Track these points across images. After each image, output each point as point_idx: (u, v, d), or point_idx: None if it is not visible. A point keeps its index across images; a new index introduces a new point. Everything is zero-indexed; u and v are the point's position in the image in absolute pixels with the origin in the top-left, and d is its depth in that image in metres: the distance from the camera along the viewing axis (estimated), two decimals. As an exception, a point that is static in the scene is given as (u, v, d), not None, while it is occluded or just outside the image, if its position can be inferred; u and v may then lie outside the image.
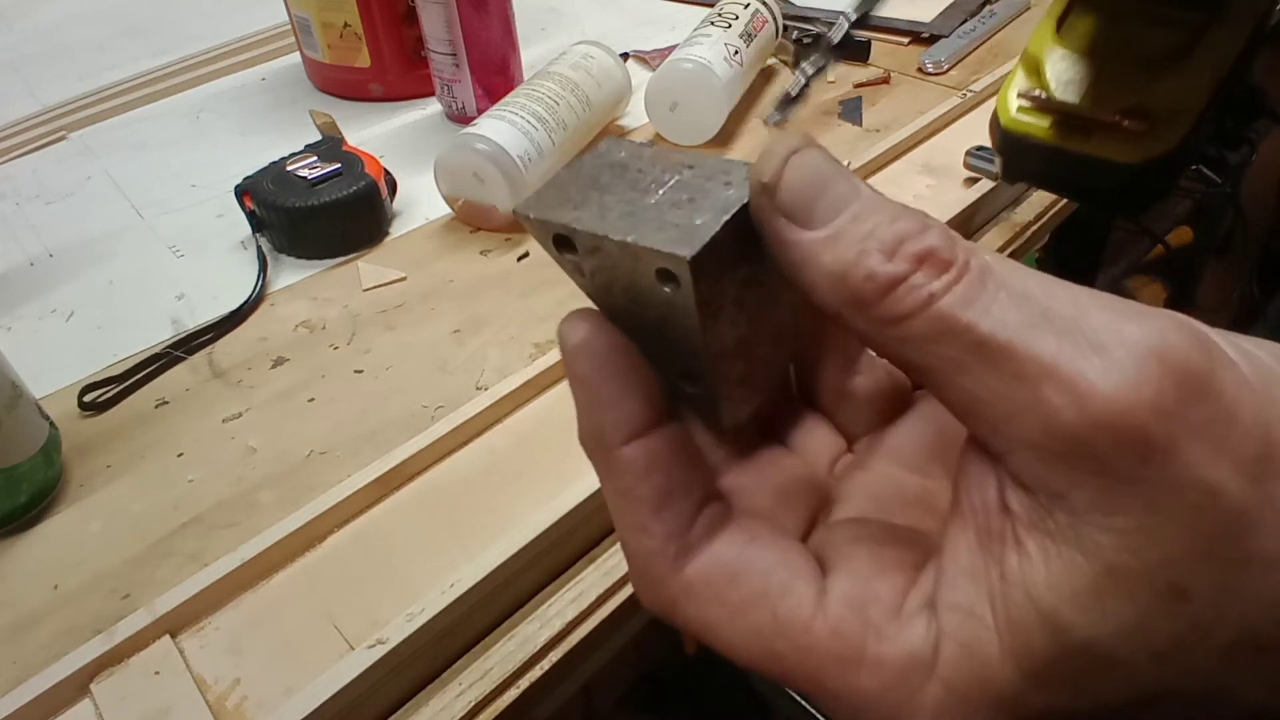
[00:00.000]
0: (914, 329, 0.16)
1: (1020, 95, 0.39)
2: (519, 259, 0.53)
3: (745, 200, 0.17)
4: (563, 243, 0.19)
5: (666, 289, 0.18)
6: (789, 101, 0.30)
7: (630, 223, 0.18)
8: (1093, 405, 0.14)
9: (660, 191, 0.18)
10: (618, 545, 0.37)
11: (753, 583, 0.18)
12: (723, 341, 0.19)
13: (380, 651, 0.31)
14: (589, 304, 0.20)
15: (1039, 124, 0.39)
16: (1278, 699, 0.16)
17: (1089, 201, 0.49)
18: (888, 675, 0.17)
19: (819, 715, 0.99)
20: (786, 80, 0.72)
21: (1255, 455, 0.14)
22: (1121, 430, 0.14)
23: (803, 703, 0.99)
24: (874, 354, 0.22)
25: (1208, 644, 0.15)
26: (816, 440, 0.23)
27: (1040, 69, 0.39)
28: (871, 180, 0.58)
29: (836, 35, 0.36)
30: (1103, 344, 0.15)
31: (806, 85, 0.30)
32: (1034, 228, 0.56)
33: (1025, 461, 0.15)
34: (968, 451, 0.17)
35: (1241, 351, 0.16)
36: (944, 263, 0.16)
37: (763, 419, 0.22)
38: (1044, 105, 0.38)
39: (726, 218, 0.17)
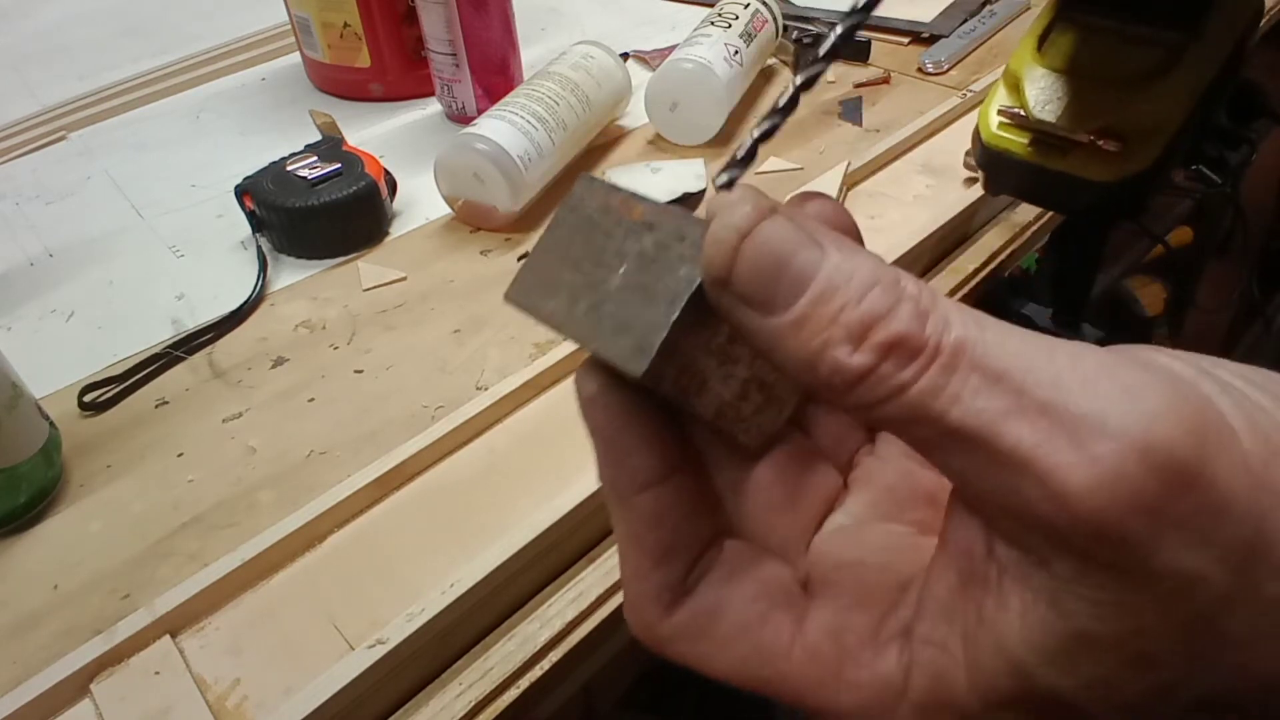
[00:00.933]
0: (887, 413, 0.15)
1: (1000, 112, 0.39)
2: (519, 259, 0.53)
3: (698, 279, 0.17)
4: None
5: None
6: (740, 162, 0.20)
7: (593, 320, 0.18)
8: (1069, 503, 0.14)
9: (621, 269, 0.18)
10: (618, 545, 0.37)
11: (734, 618, 0.19)
12: (721, 398, 0.20)
13: (380, 651, 0.31)
14: None
15: (1018, 140, 0.39)
16: None
17: (1067, 215, 0.50)
18: (864, 696, 0.18)
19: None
20: (789, 80, 0.72)
21: (1243, 544, 0.14)
22: (1099, 527, 0.14)
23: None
24: None
25: (1171, 702, 0.15)
26: (837, 428, 0.22)
27: (1020, 86, 0.39)
28: (871, 180, 0.58)
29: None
30: (1081, 436, 0.14)
31: (755, 146, 0.21)
32: (1034, 228, 0.56)
33: (1009, 529, 0.16)
34: (956, 498, 0.17)
35: (1251, 413, 0.15)
36: (913, 350, 0.15)
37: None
38: (1023, 123, 0.39)
39: (677, 313, 0.17)
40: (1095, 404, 0.14)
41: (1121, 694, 0.15)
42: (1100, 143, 0.36)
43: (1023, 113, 0.39)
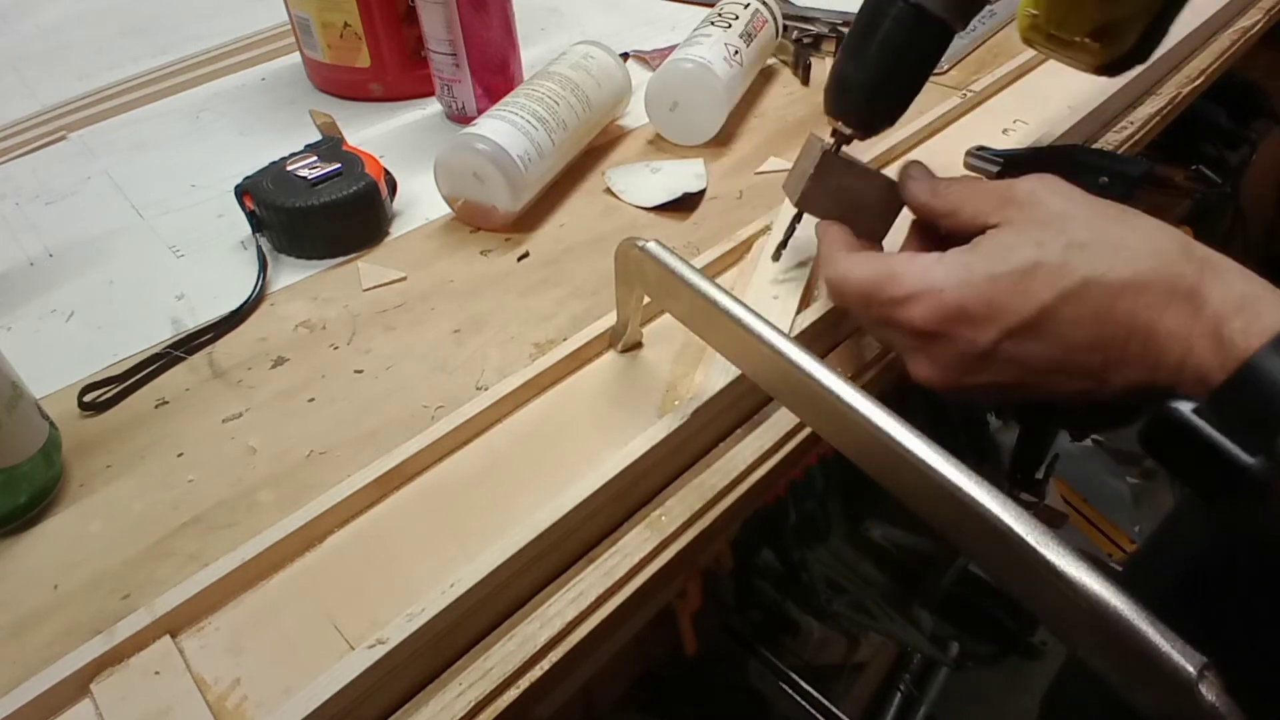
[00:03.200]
0: (952, 193, 0.40)
1: (1026, 11, 0.48)
2: (519, 259, 0.53)
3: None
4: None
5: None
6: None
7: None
8: (1017, 188, 0.37)
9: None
10: (618, 545, 0.37)
11: (887, 255, 0.41)
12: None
13: (380, 651, 0.31)
14: None
15: (1036, 37, 0.49)
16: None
17: None
18: (922, 260, 0.37)
19: (818, 715, 0.99)
20: (789, 80, 0.72)
21: (1079, 197, 0.37)
22: (1025, 191, 0.37)
23: (802, 702, 0.99)
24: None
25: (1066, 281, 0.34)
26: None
27: None
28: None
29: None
30: (1019, 179, 0.38)
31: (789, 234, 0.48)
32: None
33: (996, 217, 0.37)
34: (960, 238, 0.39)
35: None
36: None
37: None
38: (1035, 23, 0.48)
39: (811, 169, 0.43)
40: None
41: (1038, 236, 0.35)
42: (1088, 41, 0.47)
43: (1036, 14, 0.47)
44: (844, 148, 0.44)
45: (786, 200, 0.48)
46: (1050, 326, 0.34)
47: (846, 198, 0.44)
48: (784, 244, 0.47)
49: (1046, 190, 0.37)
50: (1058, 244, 0.34)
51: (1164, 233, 0.34)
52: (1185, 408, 0.31)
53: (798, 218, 0.46)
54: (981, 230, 0.37)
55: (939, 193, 0.40)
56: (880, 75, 0.42)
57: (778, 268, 0.48)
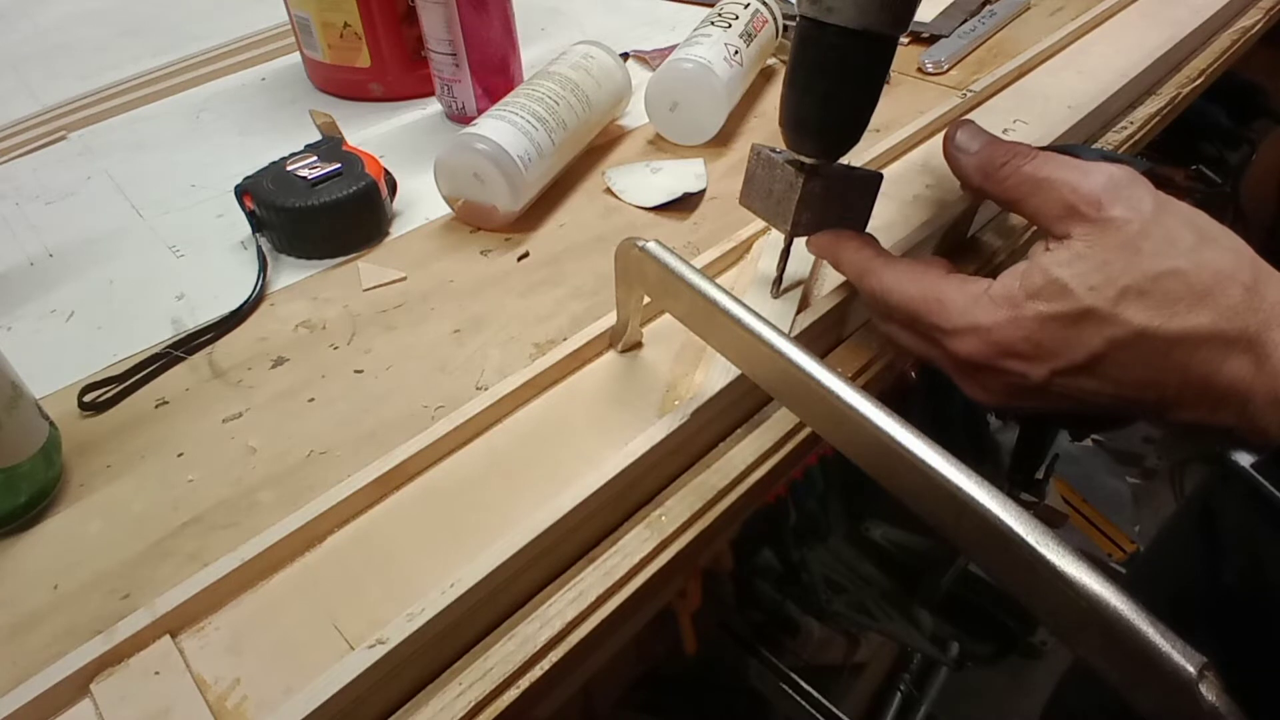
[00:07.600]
0: (1011, 181, 0.38)
1: None
2: (519, 259, 0.53)
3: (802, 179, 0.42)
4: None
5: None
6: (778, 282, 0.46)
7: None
8: (1084, 192, 0.35)
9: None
10: (618, 545, 0.37)
11: (923, 266, 0.39)
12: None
13: (380, 651, 0.31)
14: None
15: None
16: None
17: None
18: (976, 289, 0.36)
19: (818, 715, 1.00)
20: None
21: (1150, 211, 0.34)
22: (1093, 200, 0.35)
23: (802, 702, 0.99)
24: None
25: (1134, 281, 0.33)
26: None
27: None
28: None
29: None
30: (1089, 171, 0.35)
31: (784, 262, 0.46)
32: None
33: (1058, 227, 0.35)
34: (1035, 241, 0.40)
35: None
36: (1028, 153, 0.38)
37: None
38: None
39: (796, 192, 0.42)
40: (1095, 163, 0.36)
41: (1108, 277, 0.33)
42: None
43: None
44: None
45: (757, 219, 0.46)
46: (1102, 369, 0.34)
47: (831, 205, 0.43)
48: (780, 278, 0.46)
49: (1117, 201, 0.34)
50: (1114, 288, 0.33)
51: (1234, 275, 0.32)
52: (1244, 460, 0.31)
53: (789, 245, 0.44)
54: (1043, 228, 0.36)
55: (996, 178, 0.38)
56: (830, 106, 0.40)
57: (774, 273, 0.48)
